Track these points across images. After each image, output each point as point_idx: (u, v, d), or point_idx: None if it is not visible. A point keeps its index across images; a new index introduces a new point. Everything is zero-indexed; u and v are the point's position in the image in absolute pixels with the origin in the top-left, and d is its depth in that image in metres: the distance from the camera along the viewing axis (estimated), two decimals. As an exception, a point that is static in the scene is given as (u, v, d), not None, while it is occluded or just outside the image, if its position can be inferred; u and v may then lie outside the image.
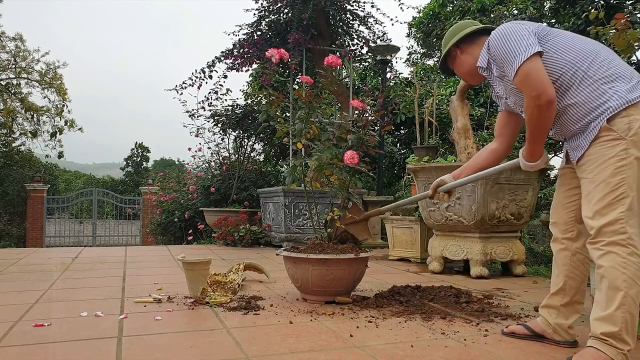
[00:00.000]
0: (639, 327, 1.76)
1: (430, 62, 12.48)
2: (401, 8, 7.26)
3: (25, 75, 16.93)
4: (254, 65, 7.52)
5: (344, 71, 8.39)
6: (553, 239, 2.06)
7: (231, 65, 6.97)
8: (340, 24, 7.22)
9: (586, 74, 1.79)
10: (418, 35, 11.84)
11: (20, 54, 16.65)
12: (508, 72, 1.86)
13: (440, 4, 10.64)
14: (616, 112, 1.71)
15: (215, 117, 8.04)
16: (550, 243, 2.11)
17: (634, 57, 5.27)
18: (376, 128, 6.61)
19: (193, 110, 8.02)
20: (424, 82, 8.98)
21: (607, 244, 1.68)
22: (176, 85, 7.18)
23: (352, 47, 7.35)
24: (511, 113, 2.16)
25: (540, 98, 1.76)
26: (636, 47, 2.77)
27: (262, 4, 6.81)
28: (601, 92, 1.76)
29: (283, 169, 8.71)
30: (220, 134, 8.38)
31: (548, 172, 5.33)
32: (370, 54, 7.59)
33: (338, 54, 6.70)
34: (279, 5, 6.72)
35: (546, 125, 1.84)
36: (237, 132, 8.28)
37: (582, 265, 1.98)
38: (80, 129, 17.88)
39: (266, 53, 2.86)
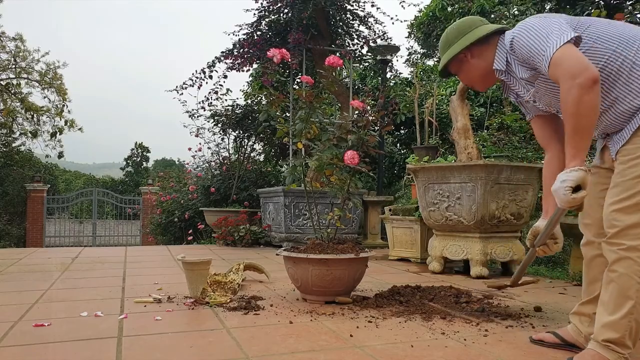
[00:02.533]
0: None
1: (431, 63, 12.48)
2: (402, 6, 7.25)
3: (25, 75, 16.94)
4: (254, 65, 7.53)
5: (344, 71, 8.39)
6: (585, 242, 1.90)
7: (231, 65, 6.98)
8: (340, 23, 7.22)
9: (635, 62, 1.61)
10: (418, 36, 11.83)
11: (20, 54, 16.66)
12: (541, 64, 1.66)
13: (440, 8, 10.63)
14: None
15: (215, 117, 8.04)
16: (580, 245, 1.95)
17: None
18: (376, 128, 6.62)
19: (193, 110, 8.04)
20: (424, 82, 8.98)
21: (627, 249, 1.57)
22: (177, 86, 7.19)
23: (352, 47, 7.35)
24: (545, 116, 1.96)
25: (581, 75, 1.53)
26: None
27: (262, 4, 6.81)
28: None
29: (283, 169, 8.72)
30: (220, 134, 8.38)
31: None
32: (370, 54, 7.59)
33: (338, 54, 6.70)
34: (279, 5, 6.72)
35: (591, 114, 1.56)
36: (237, 132, 8.28)
37: None
38: (80, 129, 17.91)
39: (268, 53, 2.86)
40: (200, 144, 8.85)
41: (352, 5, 7.03)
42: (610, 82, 1.66)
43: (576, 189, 1.57)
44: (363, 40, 7.24)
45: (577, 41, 1.63)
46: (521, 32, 1.74)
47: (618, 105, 1.66)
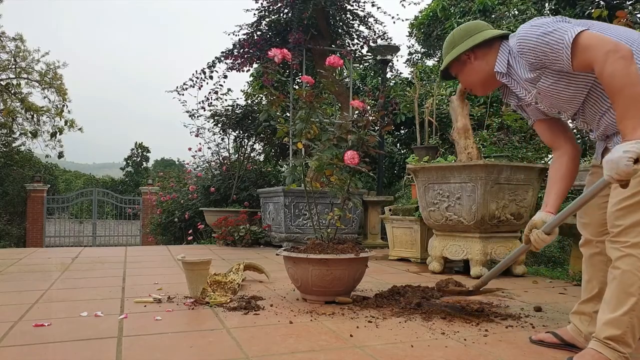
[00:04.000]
0: None
1: (431, 63, 12.48)
2: (403, 5, 7.26)
3: (25, 76, 16.95)
4: (254, 65, 7.53)
5: (344, 71, 8.39)
6: (584, 242, 1.91)
7: (231, 65, 6.99)
8: (340, 23, 7.22)
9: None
10: (419, 36, 11.84)
11: (20, 54, 16.67)
12: (559, 56, 1.62)
13: (441, 8, 10.64)
14: None
15: (216, 117, 8.05)
16: (579, 245, 1.96)
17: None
18: (376, 128, 6.61)
19: (193, 110, 8.04)
20: (424, 82, 8.98)
21: (630, 246, 1.58)
22: (177, 87, 7.20)
23: (352, 47, 7.35)
24: (548, 119, 1.95)
25: (619, 50, 1.50)
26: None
27: (262, 4, 6.82)
28: None
29: (283, 169, 8.71)
30: (221, 134, 8.39)
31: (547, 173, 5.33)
32: (370, 54, 7.60)
33: (338, 54, 6.70)
34: (279, 5, 6.72)
35: (638, 88, 1.51)
36: (237, 132, 8.28)
37: None
38: (80, 129, 17.91)
39: (269, 53, 2.86)
40: (200, 144, 8.86)
41: (352, 5, 7.04)
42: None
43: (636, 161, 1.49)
44: (363, 40, 7.24)
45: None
46: (529, 30, 1.71)
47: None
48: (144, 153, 32.55)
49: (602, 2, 6.55)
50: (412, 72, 10.93)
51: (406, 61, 13.46)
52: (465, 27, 1.99)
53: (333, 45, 6.93)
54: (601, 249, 1.83)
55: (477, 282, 2.46)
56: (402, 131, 9.29)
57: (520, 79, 1.82)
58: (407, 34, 12.46)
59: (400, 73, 9.45)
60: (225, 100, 9.99)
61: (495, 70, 1.88)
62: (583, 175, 3.60)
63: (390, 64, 7.85)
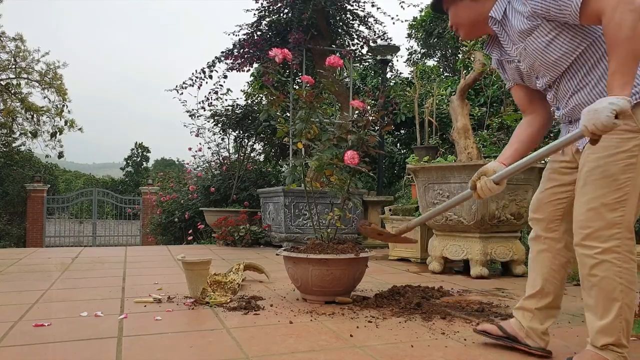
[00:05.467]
0: (635, 327, 1.75)
1: (431, 63, 12.48)
2: (402, 6, 7.26)
3: (25, 76, 16.95)
4: (255, 65, 7.53)
5: (344, 71, 8.39)
6: (534, 237, 1.90)
7: (231, 65, 6.99)
8: (340, 23, 7.22)
9: None
10: (419, 36, 11.84)
11: (21, 54, 16.67)
12: (569, 9, 1.54)
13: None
14: None
15: (216, 117, 8.05)
16: (528, 239, 1.95)
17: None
18: (376, 128, 6.61)
19: (193, 110, 8.04)
20: (424, 82, 8.98)
21: (602, 252, 1.56)
22: (176, 86, 7.19)
23: (352, 47, 7.35)
24: (525, 85, 1.88)
25: (632, 2, 1.43)
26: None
27: (262, 4, 6.82)
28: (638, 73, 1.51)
29: (283, 169, 8.71)
30: (221, 134, 8.39)
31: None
32: (370, 54, 7.60)
33: (338, 54, 6.70)
34: (279, 5, 6.72)
35: None
36: (237, 132, 8.28)
37: (563, 270, 1.84)
38: (80, 129, 17.91)
39: (269, 53, 2.86)
40: (200, 144, 8.86)
41: (352, 5, 7.04)
42: (594, 62, 1.62)
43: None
44: (363, 40, 7.24)
45: None
46: None
47: (593, 88, 1.62)
48: (144, 153, 32.56)
49: None
50: (412, 72, 10.94)
51: (406, 61, 13.46)
52: None
53: (333, 45, 6.93)
54: (548, 245, 1.84)
55: (402, 226, 2.30)
56: (402, 131, 9.29)
57: (512, 31, 1.75)
58: (407, 34, 12.47)
59: (400, 73, 9.45)
60: (225, 100, 10.00)
61: (490, 14, 1.79)
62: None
63: (390, 64, 7.85)
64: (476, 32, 1.92)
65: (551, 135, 4.67)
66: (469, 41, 4.94)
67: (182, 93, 7.22)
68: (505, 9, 1.75)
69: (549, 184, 1.85)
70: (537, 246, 1.89)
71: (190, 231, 8.13)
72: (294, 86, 7.13)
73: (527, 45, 1.71)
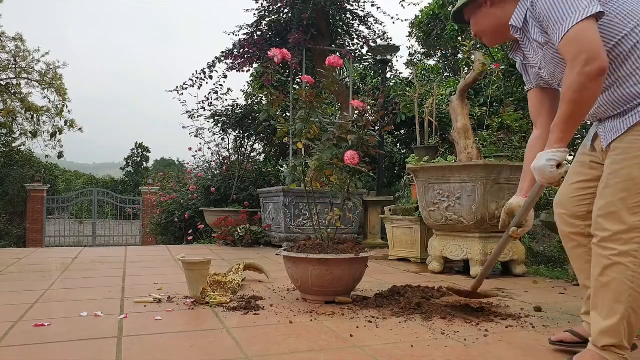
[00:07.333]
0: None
1: (431, 63, 12.47)
2: (402, 6, 7.26)
3: (25, 76, 16.94)
4: (255, 65, 7.52)
5: (344, 71, 8.39)
6: (563, 234, 1.87)
7: (231, 65, 6.99)
8: (340, 23, 7.23)
9: None
10: (419, 35, 11.83)
11: (21, 54, 16.65)
12: (553, 34, 1.60)
13: (440, 5, 10.63)
14: None
15: (216, 117, 8.05)
16: (561, 239, 1.91)
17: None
18: (376, 128, 6.61)
19: (193, 110, 8.03)
20: (424, 82, 8.98)
21: (618, 254, 1.55)
22: (177, 87, 7.20)
23: (352, 47, 7.35)
24: (545, 89, 1.89)
25: (591, 63, 1.49)
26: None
27: (262, 4, 6.82)
28: None
29: (283, 169, 8.71)
30: (221, 134, 8.38)
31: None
32: (370, 54, 7.60)
33: (338, 53, 6.70)
34: (279, 5, 6.73)
35: (588, 103, 1.55)
36: (237, 132, 8.28)
37: None
38: (80, 129, 17.91)
39: (269, 53, 2.86)
40: (200, 144, 8.85)
41: (352, 5, 7.04)
42: (620, 61, 1.60)
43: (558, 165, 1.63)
44: (363, 40, 7.24)
45: (599, 16, 1.54)
46: None
47: (618, 88, 1.61)
48: (144, 153, 32.57)
49: None
50: (412, 72, 10.94)
51: (406, 62, 13.45)
52: None
53: (333, 45, 6.93)
54: (578, 241, 1.83)
55: (473, 282, 2.48)
56: (402, 131, 9.28)
57: (532, 39, 1.76)
58: (407, 34, 12.46)
59: (400, 73, 9.44)
60: (225, 100, 9.99)
61: (510, 24, 1.79)
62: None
63: (390, 64, 7.85)
64: (500, 38, 1.93)
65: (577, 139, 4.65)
66: (468, 41, 4.94)
67: (182, 94, 7.23)
68: (526, 15, 1.74)
69: (576, 178, 1.83)
70: (568, 243, 1.88)
71: (190, 231, 8.13)
72: (294, 86, 7.13)
73: (546, 54, 1.72)
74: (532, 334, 2.17)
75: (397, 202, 6.98)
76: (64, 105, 17.41)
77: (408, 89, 8.75)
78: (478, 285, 2.47)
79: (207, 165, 8.90)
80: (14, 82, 16.87)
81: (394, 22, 7.38)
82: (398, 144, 9.66)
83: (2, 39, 16.17)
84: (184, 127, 8.40)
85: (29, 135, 17.25)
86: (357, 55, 7.53)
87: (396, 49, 7.38)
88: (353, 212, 6.14)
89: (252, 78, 10.37)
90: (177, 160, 27.88)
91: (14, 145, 17.33)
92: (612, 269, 1.58)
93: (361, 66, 10.05)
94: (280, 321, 2.36)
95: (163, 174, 12.35)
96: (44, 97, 17.19)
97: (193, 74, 7.07)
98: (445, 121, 7.30)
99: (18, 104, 16.87)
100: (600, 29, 1.56)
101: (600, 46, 1.51)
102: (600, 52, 1.50)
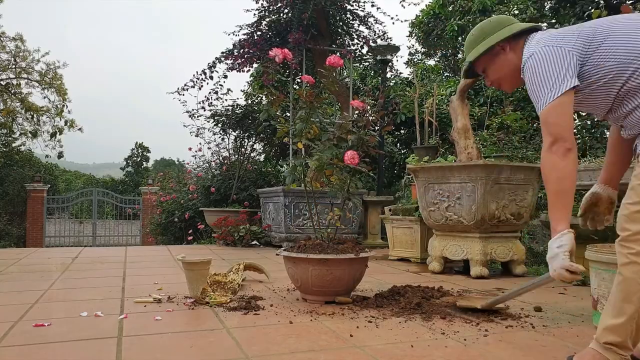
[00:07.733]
0: None
1: (431, 62, 12.47)
2: (402, 5, 7.27)
3: (25, 76, 16.93)
4: (255, 65, 7.53)
5: (344, 71, 8.39)
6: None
7: (231, 65, 7.00)
8: (340, 23, 7.23)
9: None
10: (419, 35, 11.83)
11: (20, 54, 16.64)
12: (536, 109, 1.71)
13: (440, 4, 10.64)
14: None
15: (216, 117, 8.05)
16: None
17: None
18: (376, 128, 6.61)
19: (193, 110, 8.04)
20: (424, 82, 8.98)
21: (636, 254, 1.56)
22: (178, 88, 7.21)
23: (352, 47, 7.35)
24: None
25: (556, 144, 1.62)
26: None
27: (262, 4, 6.82)
28: None
29: (283, 169, 8.71)
30: (221, 134, 8.39)
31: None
32: (370, 54, 7.60)
33: (338, 53, 6.70)
34: (279, 5, 6.73)
35: (568, 178, 1.63)
36: (237, 132, 8.28)
37: None
38: (80, 129, 17.90)
39: (269, 52, 2.86)
40: (200, 144, 8.85)
41: (352, 5, 7.04)
42: (631, 95, 1.63)
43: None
44: (363, 40, 7.25)
45: (572, 90, 1.63)
46: (531, 63, 1.71)
47: (637, 112, 1.64)
48: (144, 153, 32.54)
49: (601, 2, 6.55)
50: (412, 72, 10.94)
51: (406, 62, 13.45)
52: (496, 19, 1.95)
53: (333, 45, 6.93)
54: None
55: (490, 301, 2.51)
56: (402, 131, 9.28)
57: None
58: (408, 33, 12.46)
59: (400, 73, 9.45)
60: (225, 100, 10.00)
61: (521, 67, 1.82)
62: (582, 175, 3.60)
63: (390, 64, 7.85)
64: (517, 83, 1.93)
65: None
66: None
67: (182, 94, 7.24)
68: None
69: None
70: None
71: (190, 231, 8.13)
72: (294, 86, 7.13)
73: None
74: (532, 334, 2.17)
75: (397, 202, 6.98)
76: (64, 105, 17.41)
77: (408, 89, 8.75)
78: (493, 304, 2.50)
79: (207, 165, 8.91)
80: (14, 82, 16.86)
81: (393, 22, 7.38)
82: (398, 144, 9.66)
83: (2, 39, 16.17)
84: (184, 126, 8.42)
85: (29, 135, 17.24)
86: (357, 55, 7.53)
87: (396, 48, 7.38)
88: (353, 212, 6.14)
89: (252, 78, 10.38)
90: (177, 160, 27.89)
91: (14, 145, 17.33)
92: (627, 268, 1.59)
93: (361, 66, 10.06)
94: (280, 321, 2.36)
95: (163, 174, 12.34)
96: (44, 97, 17.19)
97: (194, 75, 7.09)
98: (445, 121, 7.30)
99: (18, 104, 16.86)
100: (590, 71, 1.64)
101: (565, 127, 1.62)
102: (565, 134, 1.62)
